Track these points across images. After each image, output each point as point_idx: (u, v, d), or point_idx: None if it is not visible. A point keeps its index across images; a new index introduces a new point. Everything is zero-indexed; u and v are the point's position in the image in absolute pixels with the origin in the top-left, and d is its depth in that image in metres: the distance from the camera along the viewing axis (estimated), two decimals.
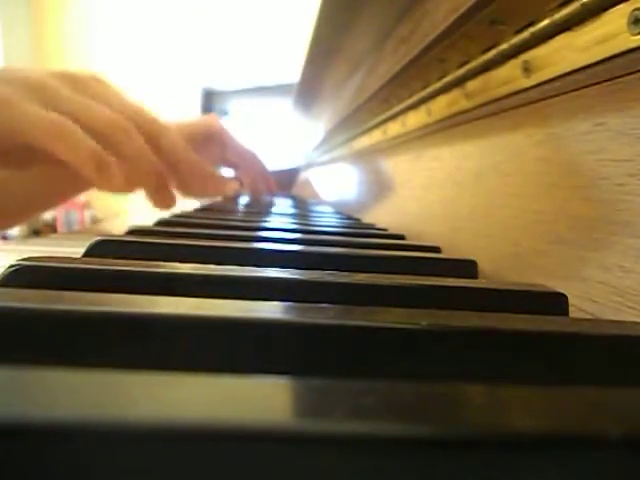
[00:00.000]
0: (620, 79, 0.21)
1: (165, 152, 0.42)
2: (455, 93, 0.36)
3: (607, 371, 0.14)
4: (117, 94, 0.42)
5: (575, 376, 0.13)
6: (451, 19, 0.32)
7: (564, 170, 0.24)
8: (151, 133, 0.41)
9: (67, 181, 0.46)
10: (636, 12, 0.19)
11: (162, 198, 0.44)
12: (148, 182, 0.41)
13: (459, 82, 0.35)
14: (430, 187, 0.41)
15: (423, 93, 0.41)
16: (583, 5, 0.21)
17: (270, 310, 0.14)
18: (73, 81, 0.38)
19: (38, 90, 0.35)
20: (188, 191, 0.48)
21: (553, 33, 0.24)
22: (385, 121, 0.55)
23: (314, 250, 0.25)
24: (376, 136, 0.60)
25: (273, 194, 0.67)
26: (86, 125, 0.36)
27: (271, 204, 0.64)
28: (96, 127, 0.36)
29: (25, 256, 0.18)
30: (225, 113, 3.27)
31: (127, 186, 0.40)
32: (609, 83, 0.21)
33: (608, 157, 0.21)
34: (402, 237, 0.38)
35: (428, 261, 0.25)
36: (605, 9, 0.20)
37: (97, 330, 0.12)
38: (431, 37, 0.36)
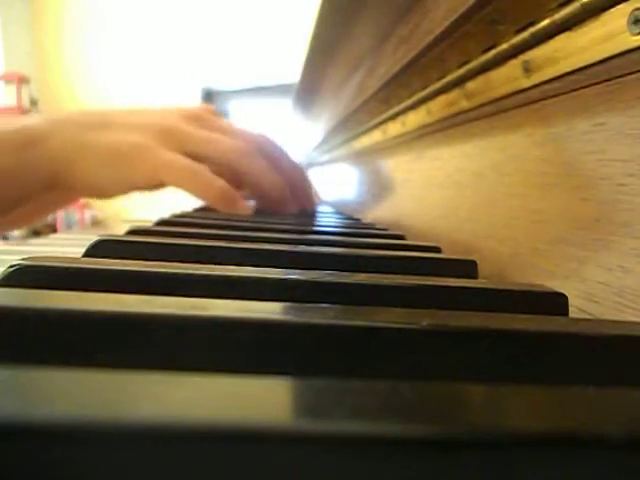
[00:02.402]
0: (620, 79, 0.20)
1: (282, 169, 0.48)
2: (455, 93, 0.36)
3: (607, 371, 0.14)
4: (229, 123, 0.48)
5: (575, 376, 0.13)
6: (451, 19, 0.32)
7: (564, 170, 0.24)
8: (269, 153, 0.47)
9: (60, 199, 0.49)
10: (636, 12, 0.19)
11: (284, 207, 0.49)
12: (271, 198, 0.47)
13: (459, 82, 0.35)
14: (430, 187, 0.41)
15: (423, 93, 0.41)
16: (583, 5, 0.21)
17: (270, 310, 0.14)
18: (194, 117, 0.45)
19: (169, 135, 0.42)
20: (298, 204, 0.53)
21: (553, 33, 0.24)
22: (385, 121, 0.55)
23: (314, 250, 0.25)
24: (376, 136, 0.60)
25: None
26: (214, 158, 0.43)
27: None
28: (223, 159, 0.43)
29: (25, 256, 0.18)
30: (225, 113, 3.27)
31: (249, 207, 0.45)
32: (609, 83, 0.21)
33: (608, 157, 0.21)
34: (402, 237, 0.38)
35: (428, 261, 0.25)
36: (605, 9, 0.20)
37: (97, 330, 0.12)
38: (431, 37, 0.36)
